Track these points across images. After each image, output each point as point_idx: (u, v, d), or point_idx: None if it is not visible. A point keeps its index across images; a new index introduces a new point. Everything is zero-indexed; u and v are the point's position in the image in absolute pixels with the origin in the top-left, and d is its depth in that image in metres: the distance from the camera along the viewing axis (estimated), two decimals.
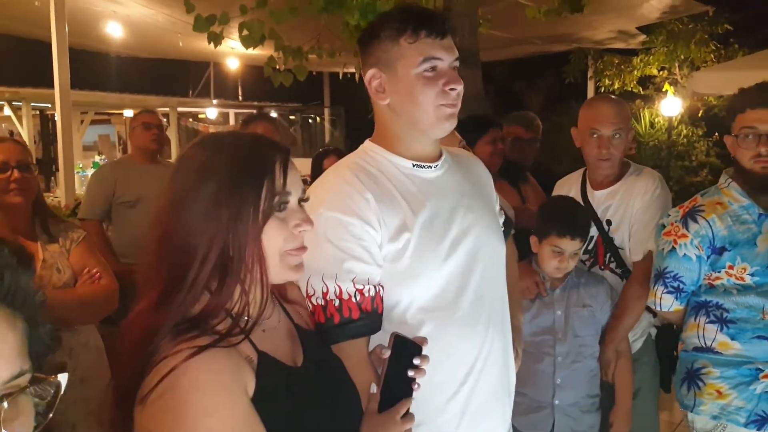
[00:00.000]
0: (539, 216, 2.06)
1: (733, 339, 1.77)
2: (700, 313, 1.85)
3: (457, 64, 1.29)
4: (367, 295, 1.22)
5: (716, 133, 7.38)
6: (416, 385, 1.12)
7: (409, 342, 1.13)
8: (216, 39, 2.91)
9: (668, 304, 1.88)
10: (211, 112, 12.61)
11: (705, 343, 1.83)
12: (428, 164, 1.33)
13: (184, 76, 11.32)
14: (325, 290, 1.19)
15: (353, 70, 4.01)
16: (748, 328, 1.75)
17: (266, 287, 0.97)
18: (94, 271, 1.90)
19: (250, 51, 7.16)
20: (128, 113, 12.03)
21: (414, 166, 1.31)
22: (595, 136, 2.08)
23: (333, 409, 1.03)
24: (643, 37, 6.85)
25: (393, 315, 1.26)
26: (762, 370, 1.74)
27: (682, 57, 6.87)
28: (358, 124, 12.99)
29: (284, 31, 3.11)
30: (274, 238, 0.95)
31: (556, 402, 1.99)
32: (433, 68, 1.25)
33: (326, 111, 13.26)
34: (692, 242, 1.79)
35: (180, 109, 11.21)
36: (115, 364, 0.96)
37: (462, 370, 1.30)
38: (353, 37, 3.16)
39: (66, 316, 1.84)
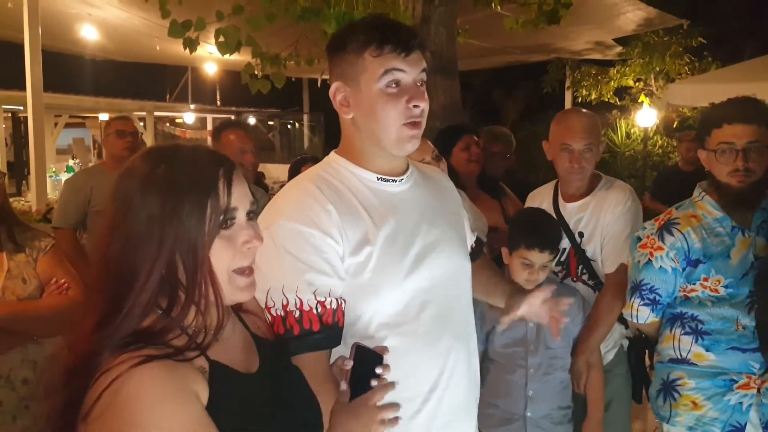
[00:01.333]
0: (509, 228, 2.06)
1: (707, 350, 1.79)
2: (675, 325, 1.86)
3: (423, 78, 1.26)
4: (328, 307, 1.19)
5: None
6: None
7: (370, 352, 1.12)
8: (192, 45, 2.87)
9: (645, 316, 1.88)
10: (189, 117, 12.52)
11: (680, 355, 1.84)
12: (393, 178, 1.31)
13: (161, 80, 11.22)
14: (285, 302, 1.17)
15: (322, 75, 3.99)
16: (722, 339, 1.76)
17: (221, 305, 0.93)
18: (62, 281, 1.84)
19: (228, 56, 7.12)
20: (104, 117, 11.88)
21: (378, 179, 1.30)
22: (566, 150, 2.09)
23: (288, 416, 1.00)
24: (619, 49, 6.95)
25: (355, 329, 1.24)
26: (736, 381, 1.76)
27: (658, 69, 6.99)
28: (337, 130, 12.99)
29: (261, 37, 3.08)
30: (222, 258, 0.91)
31: (528, 414, 1.99)
32: (396, 83, 1.22)
33: (305, 117, 13.22)
34: (668, 254, 1.80)
35: (157, 113, 11.10)
36: (49, 393, 0.89)
37: (425, 386, 1.28)
38: None
39: (29, 328, 1.78)
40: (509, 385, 1.98)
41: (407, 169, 1.35)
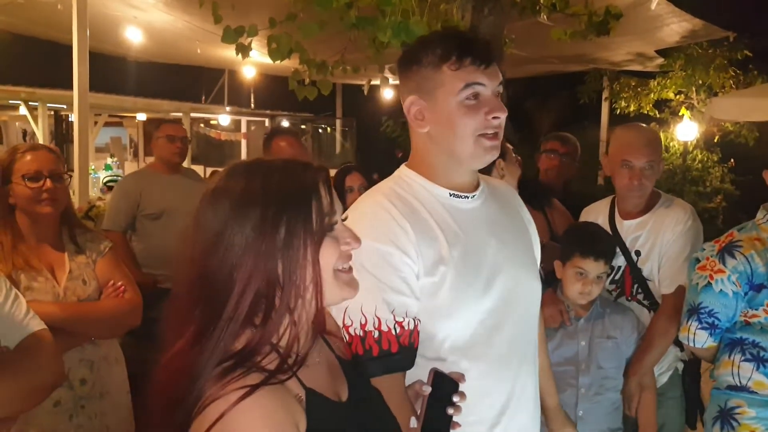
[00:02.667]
0: (563, 240, 2.03)
1: None
2: (735, 351, 1.81)
3: (501, 90, 1.25)
4: (406, 328, 1.18)
5: (732, 160, 7.35)
6: (457, 426, 1.09)
7: (447, 378, 1.10)
8: (244, 50, 2.91)
9: (702, 340, 1.84)
10: (224, 119, 12.65)
11: (740, 382, 1.79)
12: (465, 194, 1.29)
13: (197, 82, 11.38)
14: (363, 321, 1.16)
15: (369, 83, 3.99)
16: None
17: (321, 313, 0.94)
18: (119, 284, 1.87)
19: (267, 60, 7.19)
20: (141, 117, 12.09)
21: (451, 195, 1.28)
22: (626, 167, 2.05)
23: None
24: (660, 60, 6.83)
25: (427, 351, 1.22)
26: None
27: (700, 81, 6.85)
28: (369, 136, 13.07)
29: (308, 44, 3.11)
30: (328, 258, 0.92)
31: None
32: (476, 95, 1.20)
33: (338, 122, 13.27)
34: (729, 278, 1.76)
35: (192, 114, 11.24)
36: (146, 411, 0.90)
37: (494, 410, 1.27)
38: (379, 52, 3.15)
39: (89, 329, 1.81)
40: (560, 404, 1.95)
41: (478, 185, 1.33)
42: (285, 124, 14.41)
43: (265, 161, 0.96)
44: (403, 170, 1.33)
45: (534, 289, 1.37)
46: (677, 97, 7.28)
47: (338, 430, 0.91)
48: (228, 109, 11.84)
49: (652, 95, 7.31)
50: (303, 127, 14.58)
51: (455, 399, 1.07)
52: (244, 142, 14.48)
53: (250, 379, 0.82)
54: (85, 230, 1.95)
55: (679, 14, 5.57)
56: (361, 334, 1.15)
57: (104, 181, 10.05)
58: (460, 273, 1.22)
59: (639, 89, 7.45)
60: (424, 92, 1.23)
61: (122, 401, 1.96)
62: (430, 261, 1.20)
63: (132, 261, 2.86)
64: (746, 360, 1.78)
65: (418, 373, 1.19)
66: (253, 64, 7.98)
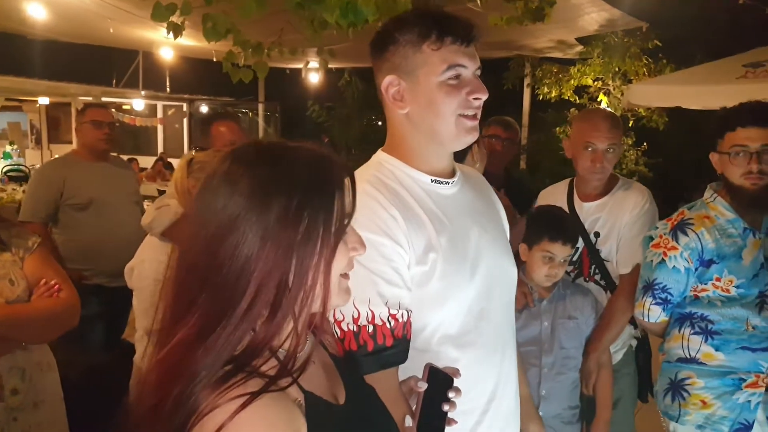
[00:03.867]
0: (529, 224, 2.04)
1: (717, 350, 1.82)
2: (684, 325, 1.88)
3: (479, 72, 1.22)
4: (400, 320, 1.14)
5: (645, 143, 7.76)
6: (453, 422, 1.06)
7: (442, 373, 1.07)
8: (176, 30, 2.72)
9: (656, 315, 1.90)
10: (138, 104, 12.01)
11: (689, 354, 1.86)
12: (446, 180, 1.27)
13: (109, 64, 10.70)
14: (356, 315, 1.11)
15: (307, 65, 3.86)
16: (732, 339, 1.80)
17: (322, 316, 0.87)
18: (53, 282, 1.69)
19: (187, 42, 6.83)
20: (43, 100, 11.26)
21: (432, 181, 1.25)
22: (589, 149, 2.09)
23: None
24: (580, 48, 7.09)
25: (417, 342, 1.18)
26: (744, 380, 1.79)
27: (617, 69, 7.18)
28: (293, 120, 12.82)
29: (241, 25, 2.96)
30: (339, 262, 0.85)
31: (541, 413, 1.97)
32: (457, 76, 1.17)
33: (260, 106, 12.91)
34: (682, 254, 1.82)
35: (104, 99, 10.59)
36: (137, 412, 0.81)
37: (484, 397, 1.26)
38: (317, 33, 3.04)
39: (21, 334, 1.63)
40: None
41: (455, 170, 1.30)
42: (204, 108, 13.90)
43: (287, 146, 0.87)
44: (381, 156, 1.29)
45: (512, 274, 1.36)
46: (595, 83, 7.59)
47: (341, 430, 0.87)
48: (143, 93, 11.24)
49: (572, 81, 7.59)
50: (220, 111, 14.12)
51: (450, 395, 1.05)
52: (160, 128, 13.86)
53: (250, 386, 0.76)
54: (9, 225, 1.75)
55: (599, 4, 5.78)
56: (355, 329, 1.10)
57: (4, 170, 9.29)
58: (448, 260, 1.19)
59: (560, 76, 7.71)
60: (403, 72, 1.19)
61: (58, 410, 1.79)
62: (420, 249, 1.17)
63: (55, 255, 2.63)
64: (695, 333, 1.85)
65: (408, 365, 1.15)
66: (170, 45, 7.59)
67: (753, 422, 1.79)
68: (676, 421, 1.88)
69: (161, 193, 8.94)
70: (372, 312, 1.11)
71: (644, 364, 2.24)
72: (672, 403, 1.90)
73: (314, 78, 8.60)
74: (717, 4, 6.73)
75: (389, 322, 1.11)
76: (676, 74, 6.42)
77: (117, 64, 10.71)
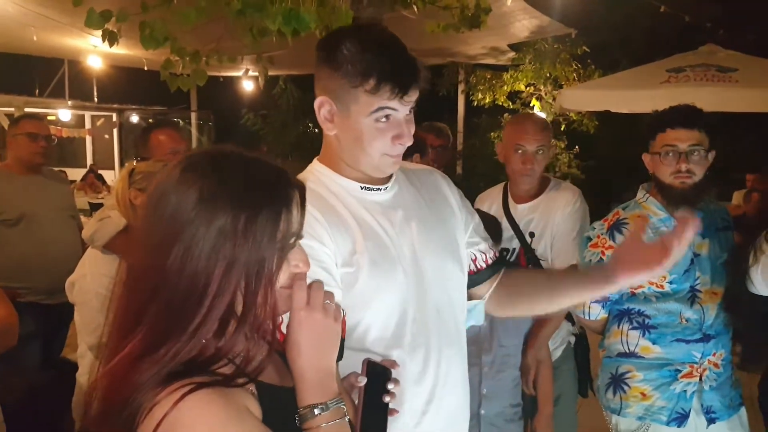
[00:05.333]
0: None
1: (654, 343, 1.90)
2: (623, 321, 1.96)
3: (410, 114, 1.22)
4: None
5: (576, 146, 8.06)
6: (395, 413, 1.08)
7: (380, 366, 1.09)
8: (112, 38, 2.62)
9: (596, 312, 1.98)
10: (64, 114, 11.51)
11: (628, 349, 1.94)
12: (377, 186, 1.29)
13: (32, 73, 10.20)
14: None
15: (247, 73, 3.80)
16: (667, 332, 1.88)
17: (276, 330, 0.86)
18: None
19: (117, 50, 6.60)
20: None
21: (362, 188, 1.27)
22: (519, 151, 2.16)
23: None
24: (512, 54, 7.30)
25: (351, 341, 1.20)
26: (680, 371, 1.88)
27: (548, 74, 7.43)
28: (228, 129, 12.59)
29: (178, 32, 2.89)
30: (281, 279, 0.86)
31: (482, 412, 2.02)
32: (387, 116, 1.19)
33: (193, 115, 12.60)
34: None
35: (27, 109, 10.07)
36: (86, 425, 0.81)
37: (422, 398, 1.27)
38: (257, 41, 3.01)
39: None
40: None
41: (390, 176, 1.31)
42: (134, 118, 13.46)
43: (243, 158, 0.85)
44: (315, 164, 1.32)
45: (454, 274, 1.37)
46: (527, 89, 7.83)
47: (291, 413, 0.87)
48: (69, 103, 10.78)
49: (505, 87, 7.79)
50: (150, 121, 13.72)
51: (390, 386, 1.07)
52: (89, 139, 13.33)
53: (196, 379, 0.76)
54: None
55: (529, 11, 5.97)
56: None
57: None
58: (376, 262, 1.21)
59: (494, 82, 7.91)
60: (336, 99, 1.20)
61: None
62: (346, 251, 1.20)
63: None
64: (633, 328, 1.94)
65: (345, 363, 1.15)
66: (99, 53, 7.31)
67: (689, 411, 1.88)
68: (618, 414, 1.96)
69: (93, 205, 8.59)
70: None
71: (583, 360, 2.32)
72: (614, 397, 1.97)
73: (248, 86, 8.47)
74: (640, 12, 7.08)
75: None
76: (604, 79, 6.71)
77: (40, 73, 10.24)
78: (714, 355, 1.88)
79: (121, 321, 0.82)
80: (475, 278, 1.44)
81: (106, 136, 13.59)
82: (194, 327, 0.78)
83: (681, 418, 1.87)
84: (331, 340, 0.91)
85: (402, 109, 1.19)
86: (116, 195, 2.07)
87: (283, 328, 1.09)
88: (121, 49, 6.14)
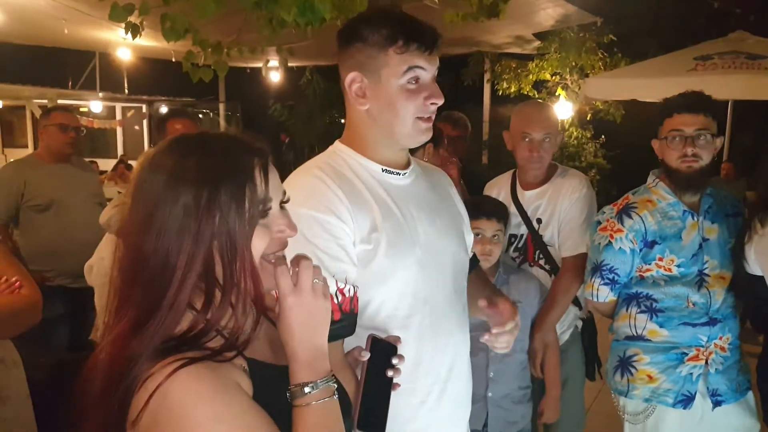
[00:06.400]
0: None
1: (661, 327, 1.92)
2: (631, 304, 1.98)
3: (435, 76, 1.29)
4: (347, 295, 1.19)
5: (602, 136, 7.97)
6: (398, 386, 1.11)
7: (384, 342, 1.12)
8: (135, 30, 2.71)
9: (604, 295, 2.00)
10: (96, 106, 11.78)
11: (636, 332, 1.96)
12: (398, 171, 1.33)
13: (64, 66, 10.46)
14: None
15: (267, 63, 3.87)
16: (674, 315, 1.90)
17: (261, 300, 0.90)
18: (14, 279, 1.70)
19: (144, 42, 6.74)
20: None
21: (384, 171, 1.32)
22: (527, 139, 2.18)
23: None
24: (537, 43, 7.24)
25: (363, 319, 1.23)
26: (686, 354, 1.90)
27: (573, 63, 7.35)
28: (255, 120, 12.72)
29: (200, 24, 2.96)
30: (258, 247, 0.89)
31: (489, 394, 2.05)
32: (416, 79, 1.24)
33: (221, 106, 12.78)
34: (627, 236, 1.92)
35: (60, 101, 10.36)
36: (86, 400, 0.85)
37: (430, 378, 1.31)
38: (276, 32, 3.07)
39: None
40: (471, 367, 2.05)
41: (409, 163, 1.37)
42: (164, 109, 13.69)
43: (205, 136, 0.91)
44: (336, 146, 1.36)
45: (463, 260, 1.42)
46: (553, 78, 7.76)
47: (283, 392, 0.91)
48: (100, 94, 11.03)
49: (531, 76, 7.75)
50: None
51: (394, 361, 1.10)
52: (119, 130, 13.62)
53: (188, 354, 0.81)
54: None
55: (554, 0, 5.92)
56: None
57: None
58: (392, 242, 1.25)
59: (519, 71, 7.86)
60: (366, 71, 1.25)
61: (24, 408, 1.79)
62: (366, 229, 1.23)
63: (14, 257, 2.62)
64: (641, 312, 1.95)
65: (354, 341, 1.19)
66: (128, 46, 7.47)
67: (695, 393, 1.89)
68: (626, 396, 1.98)
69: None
70: None
71: (590, 344, 2.34)
72: (621, 379, 1.99)
73: (275, 77, 8.56)
74: None
75: (336, 297, 1.17)
76: (631, 68, 6.61)
77: (72, 65, 10.48)
78: (720, 339, 1.89)
79: (115, 301, 0.87)
80: None
81: (136, 127, 13.86)
82: (170, 300, 0.83)
83: (687, 401, 1.89)
84: (321, 319, 0.94)
85: (429, 68, 1.24)
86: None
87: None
88: (149, 41, 6.28)
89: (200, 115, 14.04)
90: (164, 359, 0.80)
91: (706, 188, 1.92)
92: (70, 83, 10.96)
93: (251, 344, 0.91)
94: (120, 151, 13.26)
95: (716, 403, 1.90)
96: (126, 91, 12.22)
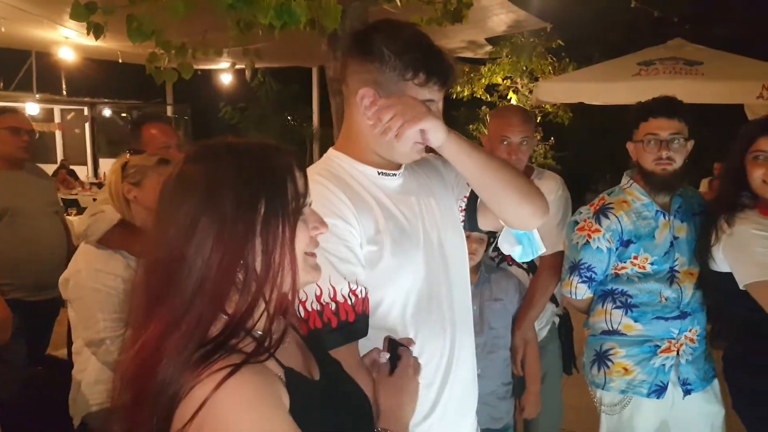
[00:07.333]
0: None
1: (636, 321, 2.01)
2: (607, 300, 2.07)
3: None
4: (360, 296, 1.21)
5: (552, 138, 8.23)
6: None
7: (398, 344, 1.16)
8: (98, 30, 2.61)
9: (582, 292, 2.08)
10: (32, 108, 11.24)
11: (612, 326, 2.05)
12: (392, 172, 1.36)
13: None
14: (318, 293, 1.17)
15: (234, 66, 3.81)
16: (648, 310, 2.00)
17: (293, 295, 0.92)
18: None
19: (89, 42, 6.48)
20: None
21: (379, 174, 1.34)
22: (505, 142, 2.24)
23: (354, 419, 1.02)
24: (490, 48, 7.40)
25: (374, 320, 1.25)
26: (659, 346, 2.00)
27: (524, 68, 7.55)
28: (205, 123, 12.46)
29: (163, 25, 2.89)
30: (300, 241, 0.91)
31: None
32: None
33: (169, 108, 12.45)
34: (604, 236, 2.00)
35: None
36: (119, 403, 0.85)
37: (440, 372, 1.34)
38: (243, 34, 3.04)
39: None
40: None
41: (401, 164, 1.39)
42: (107, 112, 13.23)
43: (229, 142, 0.92)
44: (331, 153, 1.38)
45: (461, 249, 1.46)
46: (505, 81, 7.95)
47: (316, 407, 0.92)
48: (37, 96, 10.54)
49: (483, 80, 7.91)
50: (123, 115, 13.51)
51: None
52: (59, 134, 13.06)
53: (231, 359, 0.81)
54: None
55: (506, 6, 6.06)
56: (318, 308, 1.17)
57: None
58: (397, 242, 1.28)
59: (472, 75, 8.01)
60: (381, 89, 1.25)
61: None
62: (371, 231, 1.26)
63: None
64: (617, 307, 2.04)
65: (365, 342, 1.22)
66: (70, 45, 7.19)
67: (667, 383, 2.00)
68: (603, 389, 2.07)
69: (66, 202, 8.44)
70: (333, 288, 1.17)
71: (567, 339, 2.43)
72: (598, 372, 2.08)
73: (226, 79, 8.42)
74: (612, 7, 7.25)
75: (350, 299, 1.19)
76: (578, 72, 6.86)
77: (7, 65, 9.99)
78: (690, 331, 2.00)
79: (145, 304, 0.86)
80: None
81: (77, 131, 13.33)
82: (209, 296, 0.83)
83: (660, 390, 1.99)
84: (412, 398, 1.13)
85: (439, 99, 1.28)
86: (109, 189, 2.08)
87: (308, 306, 1.16)
88: (95, 41, 6.06)
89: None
90: (205, 365, 0.79)
91: (677, 189, 2.02)
92: (2, 84, 10.44)
93: (284, 351, 0.91)
94: (60, 155, 12.73)
95: (686, 392, 2.01)
96: (65, 92, 11.75)
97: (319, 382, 0.98)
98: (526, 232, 1.53)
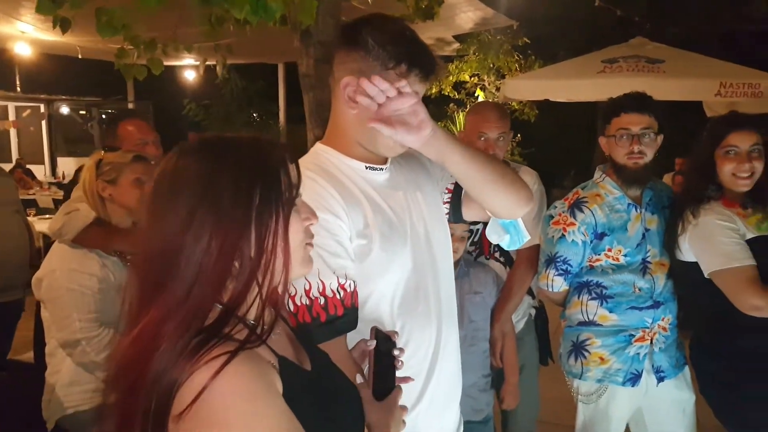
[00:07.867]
0: None
1: (611, 312, 2.06)
2: (582, 292, 2.12)
3: None
4: (349, 290, 1.23)
5: (518, 135, 8.34)
6: (400, 363, 1.18)
7: (384, 334, 1.17)
8: (65, 24, 2.53)
9: (559, 285, 2.12)
10: None
11: (588, 317, 2.10)
12: (380, 167, 1.36)
13: None
14: (307, 287, 1.18)
15: (204, 62, 3.74)
16: (623, 301, 2.05)
17: (285, 286, 0.92)
18: None
19: (47, 37, 6.29)
20: None
21: (367, 168, 1.35)
22: (482, 138, 2.27)
23: (345, 409, 1.03)
24: (457, 45, 7.47)
25: (363, 312, 1.27)
26: (634, 336, 2.06)
27: (491, 65, 7.64)
28: (168, 120, 12.21)
29: (132, 20, 2.83)
30: (295, 232, 0.92)
31: None
32: None
33: (130, 106, 12.17)
34: (579, 229, 2.05)
35: None
36: (114, 390, 0.84)
37: (426, 363, 1.36)
38: (215, 29, 3.00)
39: None
40: None
41: (387, 158, 1.39)
42: (65, 109, 12.86)
43: (221, 136, 0.93)
44: (319, 147, 1.37)
45: (449, 247, 1.48)
46: (472, 79, 8.03)
47: (308, 396, 0.93)
48: None
49: (450, 77, 7.97)
50: (82, 113, 13.16)
51: (395, 353, 1.16)
52: (13, 132, 12.64)
53: (226, 347, 0.81)
54: None
55: (474, 3, 6.12)
56: (307, 302, 1.17)
57: None
58: (385, 235, 1.29)
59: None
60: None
61: None
62: (360, 224, 1.26)
63: None
64: (592, 299, 2.09)
65: (355, 335, 1.24)
66: (26, 40, 6.97)
67: (642, 371, 2.06)
68: (580, 378, 2.11)
69: (24, 202, 8.17)
70: (322, 282, 1.18)
71: (543, 331, 2.47)
72: (575, 363, 2.12)
73: (190, 75, 8.29)
74: (577, 5, 7.40)
75: (339, 293, 1.20)
76: (544, 70, 6.98)
77: None
78: (663, 320, 2.06)
79: (141, 293, 0.86)
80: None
81: (32, 129, 12.93)
82: (208, 283, 0.84)
83: (635, 378, 2.05)
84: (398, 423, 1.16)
85: (421, 91, 1.28)
86: (83, 186, 2.03)
87: (297, 300, 1.16)
88: (53, 36, 5.88)
89: (104, 116, 13.30)
90: (201, 353, 0.80)
91: (648, 182, 2.08)
92: None
93: (276, 340, 0.92)
94: (16, 154, 12.33)
95: (660, 379, 2.07)
96: (19, 88, 11.40)
97: (311, 372, 0.99)
98: (512, 220, 1.55)
